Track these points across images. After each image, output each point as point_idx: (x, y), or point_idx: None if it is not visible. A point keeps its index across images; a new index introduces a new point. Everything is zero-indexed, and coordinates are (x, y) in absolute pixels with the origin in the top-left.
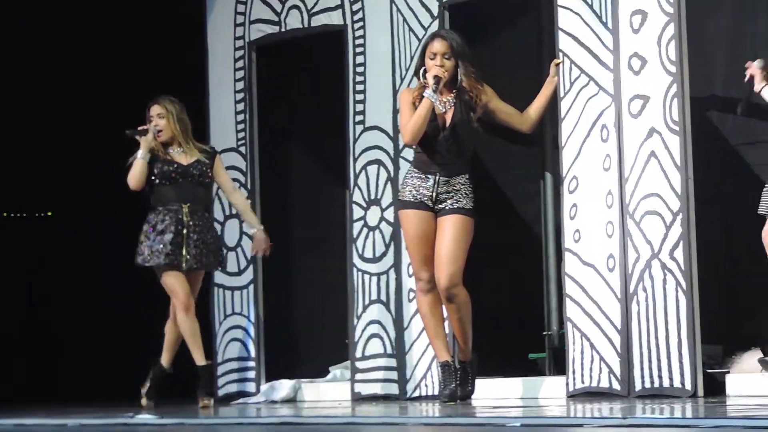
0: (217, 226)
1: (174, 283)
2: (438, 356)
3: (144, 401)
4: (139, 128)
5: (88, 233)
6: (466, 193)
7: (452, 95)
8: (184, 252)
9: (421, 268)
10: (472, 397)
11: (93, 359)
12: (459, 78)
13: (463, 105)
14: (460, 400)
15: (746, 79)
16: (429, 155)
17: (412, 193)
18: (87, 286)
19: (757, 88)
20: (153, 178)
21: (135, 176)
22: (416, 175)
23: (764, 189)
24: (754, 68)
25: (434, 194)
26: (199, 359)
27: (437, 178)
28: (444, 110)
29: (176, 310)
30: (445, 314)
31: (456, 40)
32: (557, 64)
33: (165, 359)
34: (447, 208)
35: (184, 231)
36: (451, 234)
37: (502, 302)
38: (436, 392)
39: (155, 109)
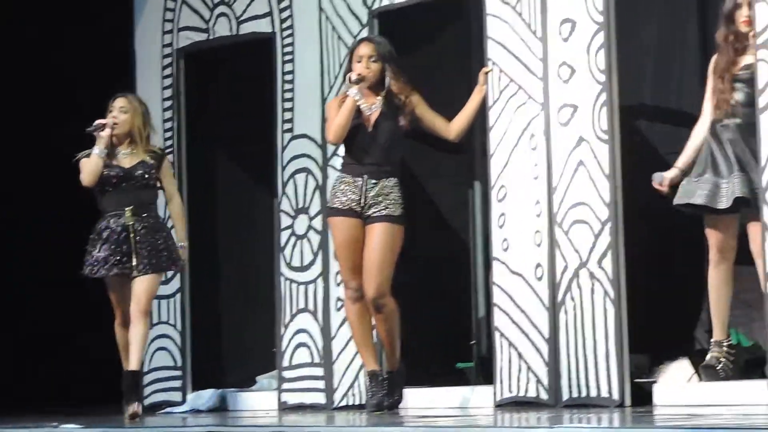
0: None
1: (115, 302)
2: (366, 365)
3: (130, 410)
4: (96, 122)
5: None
6: (395, 199)
7: (379, 98)
8: (134, 258)
9: (350, 276)
10: (400, 406)
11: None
12: (387, 81)
13: (390, 109)
14: (387, 409)
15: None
16: (356, 159)
17: (340, 199)
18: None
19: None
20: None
21: (91, 172)
22: (345, 179)
23: (683, 182)
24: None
25: (363, 198)
26: (134, 365)
27: (365, 181)
28: (370, 112)
29: (116, 322)
30: (374, 323)
31: (382, 44)
32: (486, 73)
33: (127, 363)
34: (375, 215)
35: (131, 236)
36: (379, 243)
37: (429, 311)
38: (364, 402)
39: (119, 102)
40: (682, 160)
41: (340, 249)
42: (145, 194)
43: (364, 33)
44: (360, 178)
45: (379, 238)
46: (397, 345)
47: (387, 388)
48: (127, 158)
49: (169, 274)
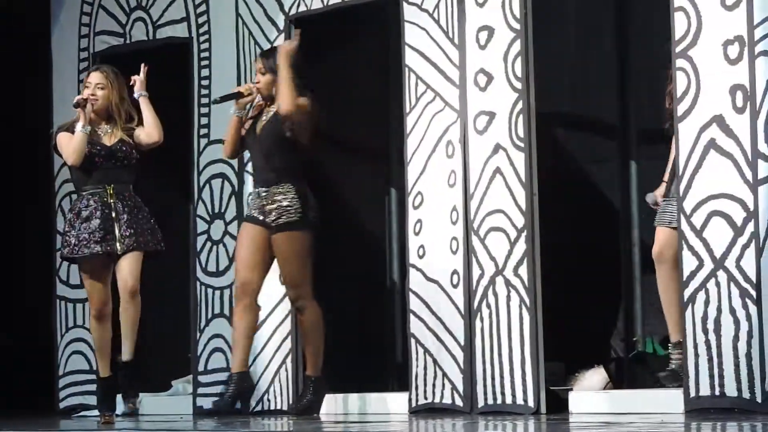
0: (59, 239)
1: (91, 290)
2: (232, 366)
3: (129, 405)
4: (78, 98)
5: None
6: (291, 204)
7: (269, 109)
8: (117, 235)
9: (238, 271)
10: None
11: None
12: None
13: (275, 118)
14: (298, 414)
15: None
16: (253, 168)
17: (250, 206)
18: None
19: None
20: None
21: (76, 150)
22: (253, 188)
23: (663, 202)
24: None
25: (261, 206)
26: (126, 354)
27: (259, 189)
28: (262, 121)
29: (91, 315)
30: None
31: (271, 57)
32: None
33: (103, 364)
34: (274, 225)
35: (113, 214)
36: (286, 255)
37: (345, 317)
38: (280, 406)
39: (95, 77)
40: (668, 174)
41: (237, 247)
42: (125, 173)
43: (281, 38)
44: (258, 186)
45: (286, 251)
46: (319, 352)
47: (310, 395)
48: (106, 135)
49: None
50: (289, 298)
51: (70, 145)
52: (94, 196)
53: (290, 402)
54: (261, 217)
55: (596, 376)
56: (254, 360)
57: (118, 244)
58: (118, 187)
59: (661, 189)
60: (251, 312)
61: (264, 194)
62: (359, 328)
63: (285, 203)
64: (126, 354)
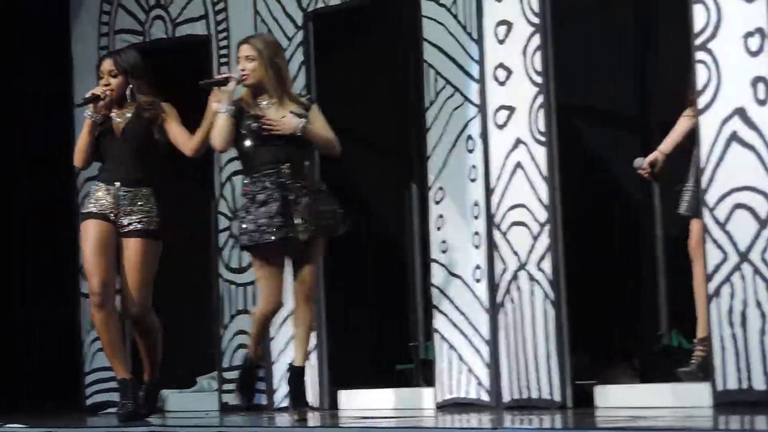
0: None
1: (267, 286)
2: (117, 373)
3: (295, 415)
4: (217, 77)
5: None
6: (149, 210)
7: (128, 109)
8: (296, 220)
9: (93, 276)
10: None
11: None
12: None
13: (139, 119)
14: (139, 419)
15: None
16: (109, 167)
17: (94, 204)
18: None
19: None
20: (242, 139)
21: (221, 134)
22: (99, 186)
23: (684, 188)
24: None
25: (116, 206)
26: (299, 358)
27: (117, 188)
28: (120, 121)
29: (259, 313)
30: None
31: (124, 57)
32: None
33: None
34: (130, 228)
35: (291, 196)
36: (137, 262)
37: (369, 314)
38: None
39: (244, 50)
40: (665, 145)
41: (87, 251)
42: (300, 151)
43: (300, 35)
44: (113, 186)
45: (137, 258)
46: (157, 359)
47: (137, 398)
48: (272, 109)
49: None
50: (129, 312)
51: (214, 130)
52: (270, 177)
53: (120, 407)
54: (112, 216)
55: (622, 369)
56: (278, 356)
57: (299, 231)
58: (295, 166)
59: (652, 155)
60: (113, 317)
61: (125, 194)
62: (382, 324)
63: (146, 207)
64: (299, 360)
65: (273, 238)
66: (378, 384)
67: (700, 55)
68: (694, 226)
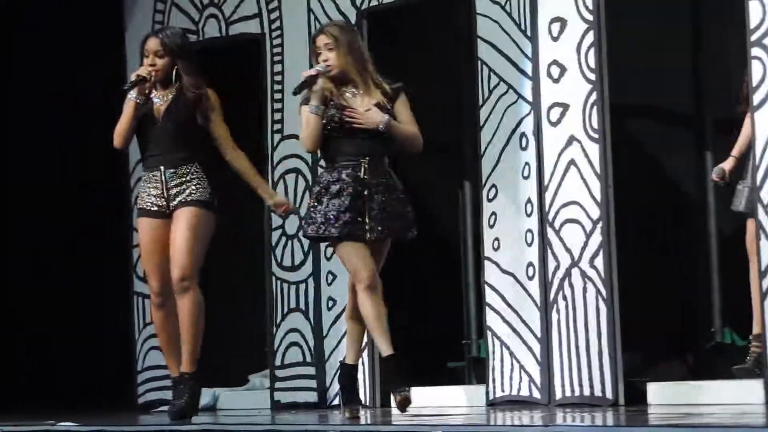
0: (135, 236)
1: (354, 257)
2: (171, 371)
3: (346, 413)
4: (306, 74)
5: None
6: (198, 184)
7: (169, 90)
8: (366, 218)
9: (151, 278)
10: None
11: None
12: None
13: (181, 101)
14: (172, 418)
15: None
16: (152, 152)
17: (144, 200)
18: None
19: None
20: (324, 129)
21: (311, 136)
22: (145, 176)
23: (738, 187)
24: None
25: (165, 191)
26: (385, 348)
27: (163, 172)
28: (160, 104)
29: (357, 289)
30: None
31: (171, 37)
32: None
33: (350, 357)
34: (181, 201)
35: (365, 192)
36: (184, 227)
37: (421, 311)
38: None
39: (321, 40)
40: (737, 149)
41: (144, 251)
42: (380, 144)
43: None
44: (158, 171)
45: (185, 222)
46: (197, 342)
47: (188, 394)
48: (356, 98)
49: None
50: (173, 278)
51: (305, 131)
52: (346, 170)
53: (172, 406)
54: (164, 205)
55: (674, 366)
56: (330, 354)
57: (367, 231)
58: (374, 161)
59: (729, 162)
60: (172, 317)
61: (171, 176)
62: (434, 321)
63: (194, 182)
64: (385, 349)
65: (337, 234)
66: (430, 382)
67: (755, 51)
68: (750, 223)
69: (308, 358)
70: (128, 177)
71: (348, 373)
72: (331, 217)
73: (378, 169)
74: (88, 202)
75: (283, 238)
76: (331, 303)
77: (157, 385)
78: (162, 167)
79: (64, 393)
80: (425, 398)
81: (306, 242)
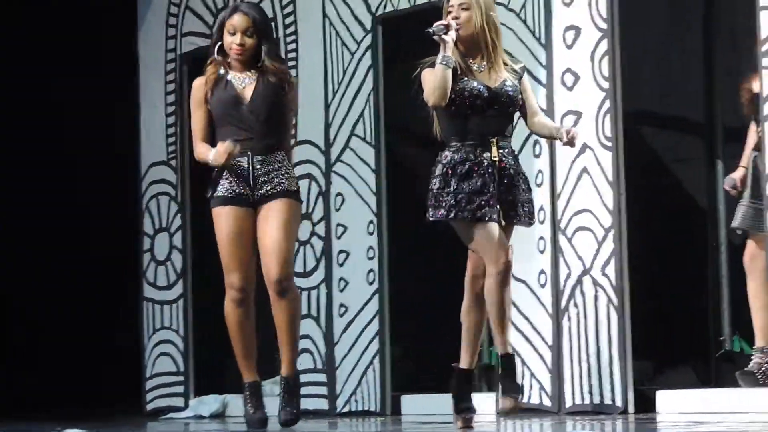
0: (147, 241)
1: (489, 240)
2: (245, 376)
3: (459, 422)
4: (439, 23)
5: None
6: (285, 172)
7: (252, 72)
8: (498, 201)
9: (232, 273)
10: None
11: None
12: (262, 57)
13: (267, 83)
14: (285, 425)
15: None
16: (239, 135)
17: (225, 186)
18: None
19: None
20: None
21: (441, 87)
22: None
23: (739, 203)
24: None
25: (252, 177)
26: (502, 346)
27: (251, 158)
28: (243, 86)
29: (489, 274)
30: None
31: (260, 17)
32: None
33: (466, 360)
34: (269, 192)
35: (496, 174)
36: (278, 219)
37: (433, 317)
38: (367, 408)
39: None
40: (745, 159)
41: (225, 243)
42: (509, 124)
43: (368, 39)
44: (244, 156)
45: (279, 215)
46: (296, 343)
47: (284, 400)
48: (485, 73)
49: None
50: (270, 278)
51: (432, 83)
52: (474, 150)
53: (253, 412)
54: (248, 193)
55: (684, 374)
56: (342, 360)
57: (497, 214)
58: (503, 142)
59: (739, 172)
60: (251, 316)
61: (259, 162)
62: (445, 328)
63: (283, 170)
64: (502, 347)
65: (468, 216)
66: (440, 389)
67: (766, 61)
68: (749, 240)
69: (319, 365)
70: (140, 181)
71: (464, 379)
72: (462, 198)
73: (506, 150)
74: (98, 207)
75: (296, 245)
76: (342, 310)
77: (166, 392)
78: (249, 153)
79: (72, 399)
80: (436, 405)
81: (318, 248)
